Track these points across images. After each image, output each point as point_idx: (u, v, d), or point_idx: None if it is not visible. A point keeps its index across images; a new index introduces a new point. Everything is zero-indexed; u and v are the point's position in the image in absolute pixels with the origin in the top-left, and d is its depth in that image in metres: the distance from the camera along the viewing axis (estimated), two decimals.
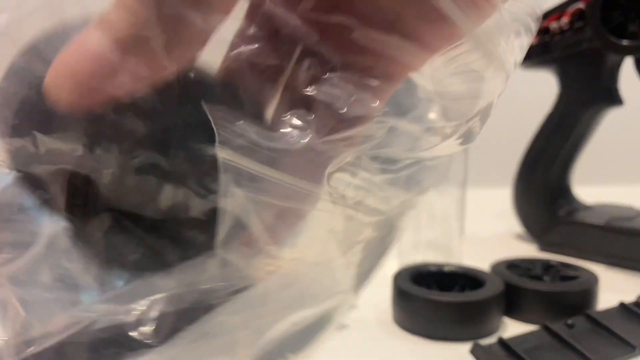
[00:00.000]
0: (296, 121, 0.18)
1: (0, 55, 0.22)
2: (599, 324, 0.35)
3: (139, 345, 0.19)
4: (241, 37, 0.18)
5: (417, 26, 0.17)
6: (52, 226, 0.20)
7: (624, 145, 0.88)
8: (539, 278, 0.42)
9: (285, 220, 0.21)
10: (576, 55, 0.53)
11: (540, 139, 0.57)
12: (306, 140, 0.18)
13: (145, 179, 0.18)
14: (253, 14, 0.18)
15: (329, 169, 0.21)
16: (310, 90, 0.18)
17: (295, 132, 0.18)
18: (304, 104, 0.18)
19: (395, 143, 0.21)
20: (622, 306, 0.37)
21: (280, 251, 0.21)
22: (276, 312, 0.22)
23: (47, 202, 0.19)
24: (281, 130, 0.19)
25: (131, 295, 0.19)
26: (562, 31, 0.53)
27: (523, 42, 0.24)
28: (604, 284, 0.40)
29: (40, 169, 0.18)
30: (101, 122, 0.17)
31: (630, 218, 0.53)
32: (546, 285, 0.40)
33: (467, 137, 0.23)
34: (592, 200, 0.59)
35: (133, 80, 0.16)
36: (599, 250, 0.52)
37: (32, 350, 0.19)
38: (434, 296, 0.37)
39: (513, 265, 0.44)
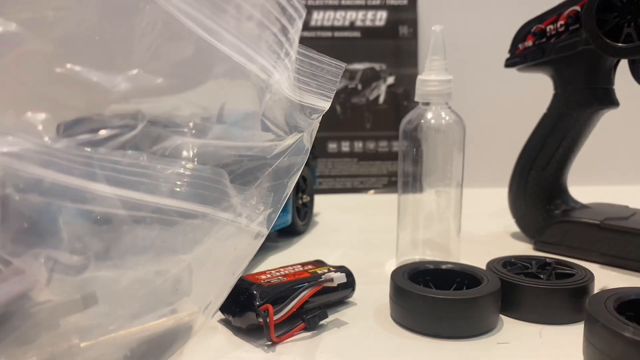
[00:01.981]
0: None
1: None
2: None
3: None
4: None
5: None
6: None
7: (621, 146, 0.89)
8: (535, 276, 0.42)
9: None
10: (572, 57, 0.53)
11: (536, 139, 0.58)
12: None
13: None
14: None
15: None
16: None
17: None
18: None
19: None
20: None
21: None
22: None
23: None
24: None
25: None
26: (557, 33, 0.54)
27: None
28: (598, 282, 0.41)
29: None
30: None
31: (626, 217, 0.53)
32: (542, 282, 0.40)
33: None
34: (588, 201, 0.60)
35: None
36: (594, 249, 0.52)
37: None
38: (431, 294, 0.38)
39: (509, 263, 0.44)
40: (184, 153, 0.27)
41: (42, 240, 0.22)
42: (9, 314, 0.22)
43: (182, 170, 0.26)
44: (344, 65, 0.35)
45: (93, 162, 0.23)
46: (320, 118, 0.34)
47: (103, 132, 0.24)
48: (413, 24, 0.89)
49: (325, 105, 0.34)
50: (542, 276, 0.42)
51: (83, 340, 0.24)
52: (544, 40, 0.55)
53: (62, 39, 0.24)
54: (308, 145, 0.33)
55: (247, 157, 0.30)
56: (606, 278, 0.47)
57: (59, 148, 0.22)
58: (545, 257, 0.45)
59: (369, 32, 0.88)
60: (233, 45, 0.27)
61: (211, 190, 0.27)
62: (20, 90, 0.24)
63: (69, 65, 0.23)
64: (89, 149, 0.23)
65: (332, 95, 0.34)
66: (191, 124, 0.28)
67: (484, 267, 0.43)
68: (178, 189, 0.26)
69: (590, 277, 0.41)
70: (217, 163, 0.28)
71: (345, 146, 0.89)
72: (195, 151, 0.28)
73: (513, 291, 0.40)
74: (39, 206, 0.22)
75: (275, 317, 0.36)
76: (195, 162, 0.27)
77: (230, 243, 0.29)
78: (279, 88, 0.30)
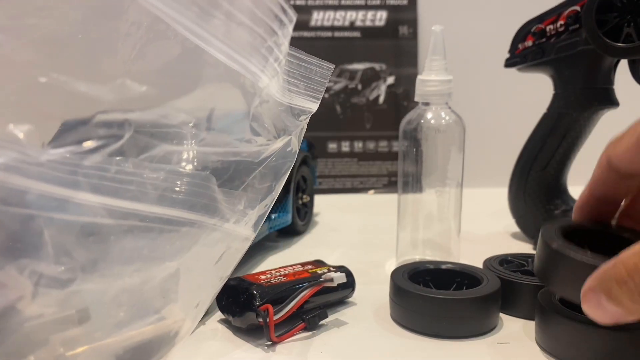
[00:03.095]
0: None
1: None
2: None
3: None
4: None
5: None
6: None
7: None
8: (531, 273, 0.42)
9: None
10: (572, 57, 0.53)
11: (536, 139, 0.58)
12: None
13: None
14: None
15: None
16: None
17: None
18: None
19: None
20: None
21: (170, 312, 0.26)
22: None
23: None
24: None
25: None
26: (557, 33, 0.54)
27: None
28: None
29: None
30: None
31: None
32: (538, 280, 0.40)
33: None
34: None
35: None
36: None
37: None
38: (431, 293, 0.38)
39: (506, 261, 0.44)
40: (172, 160, 0.27)
41: (27, 253, 0.22)
42: None
43: (169, 177, 0.26)
44: (332, 66, 0.35)
45: (79, 172, 0.23)
46: (309, 119, 0.34)
47: (89, 143, 0.24)
48: (413, 24, 0.89)
49: (314, 106, 0.34)
50: None
51: (69, 349, 0.24)
52: (543, 40, 0.55)
53: (44, 39, 0.24)
54: (296, 147, 0.34)
55: (235, 163, 0.30)
56: None
57: (44, 159, 0.22)
58: None
59: (369, 32, 0.88)
60: (222, 51, 0.27)
61: (199, 196, 0.27)
62: (1, 97, 0.24)
63: (54, 75, 0.23)
64: (75, 159, 0.23)
65: (321, 97, 0.35)
66: (179, 132, 0.28)
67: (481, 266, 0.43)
68: (166, 196, 0.25)
69: None
70: (205, 168, 0.28)
71: (345, 146, 0.89)
72: (183, 158, 0.28)
73: (509, 289, 0.40)
74: (23, 218, 0.22)
75: (275, 317, 0.36)
76: (183, 168, 0.27)
77: (218, 248, 0.29)
78: (268, 92, 0.30)
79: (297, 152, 0.34)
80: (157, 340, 0.28)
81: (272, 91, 0.31)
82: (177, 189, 0.26)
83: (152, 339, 0.28)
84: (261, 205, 0.31)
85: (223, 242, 0.29)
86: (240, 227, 0.30)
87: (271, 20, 0.29)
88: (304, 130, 0.34)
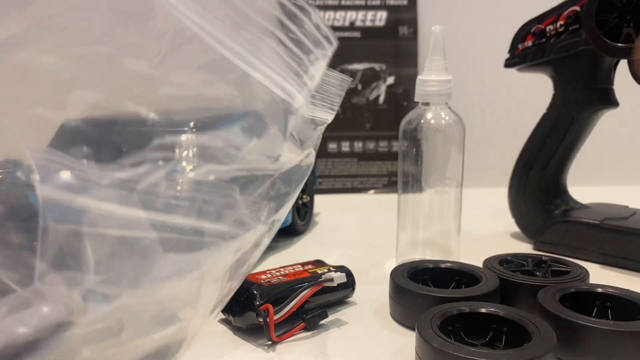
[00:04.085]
0: None
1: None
2: None
3: None
4: None
5: None
6: None
7: (621, 146, 0.89)
8: (531, 273, 0.42)
9: None
10: (571, 58, 0.53)
11: (536, 139, 0.58)
12: None
13: None
14: None
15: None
16: None
17: None
18: None
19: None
20: None
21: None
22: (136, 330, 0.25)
23: None
24: None
25: None
26: (557, 33, 0.54)
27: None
28: (597, 281, 0.41)
29: None
30: None
31: (626, 217, 0.53)
32: (538, 280, 0.40)
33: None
34: (588, 201, 0.60)
35: None
36: (594, 248, 0.53)
37: None
38: (430, 292, 0.38)
39: (505, 261, 0.44)
40: (211, 177, 0.28)
41: (78, 269, 0.23)
42: (42, 341, 0.22)
43: (199, 189, 0.27)
44: (350, 79, 0.36)
45: (134, 193, 0.24)
46: (324, 129, 0.35)
47: (143, 169, 0.25)
48: (413, 24, 0.89)
49: (331, 117, 0.36)
50: (538, 273, 0.42)
51: (90, 352, 0.25)
52: (543, 40, 0.55)
53: (72, 42, 0.25)
54: (313, 156, 0.35)
55: (260, 177, 0.30)
56: (605, 278, 0.47)
57: (104, 182, 0.23)
58: (542, 255, 0.45)
59: (369, 32, 0.89)
60: (264, 73, 0.28)
61: (226, 208, 0.28)
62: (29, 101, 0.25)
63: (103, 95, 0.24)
64: (131, 181, 0.24)
65: (337, 108, 0.36)
66: (223, 152, 0.29)
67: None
68: (199, 209, 0.26)
69: (585, 274, 0.41)
70: (230, 180, 0.29)
71: (345, 146, 0.89)
72: (221, 177, 0.29)
73: (508, 288, 0.40)
74: (76, 235, 0.23)
75: (276, 317, 0.36)
76: (211, 179, 0.28)
77: (239, 255, 0.30)
78: (302, 110, 0.31)
79: (313, 161, 0.35)
80: (175, 344, 0.28)
81: (303, 109, 0.32)
82: (207, 200, 0.27)
83: (170, 343, 0.28)
84: (279, 212, 0.32)
85: (244, 249, 0.30)
86: (260, 235, 0.31)
87: (314, 44, 0.30)
88: (320, 139, 0.35)
